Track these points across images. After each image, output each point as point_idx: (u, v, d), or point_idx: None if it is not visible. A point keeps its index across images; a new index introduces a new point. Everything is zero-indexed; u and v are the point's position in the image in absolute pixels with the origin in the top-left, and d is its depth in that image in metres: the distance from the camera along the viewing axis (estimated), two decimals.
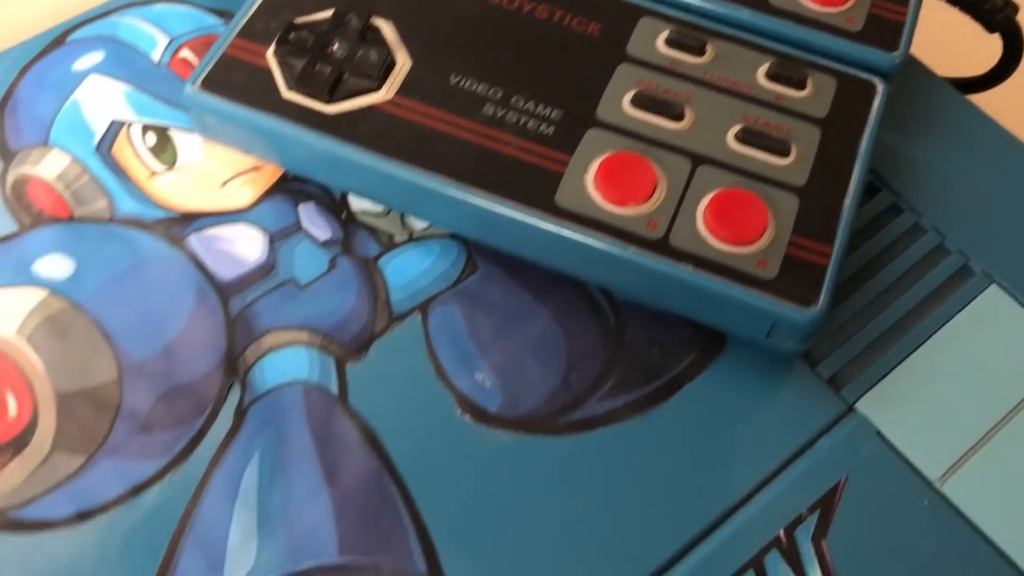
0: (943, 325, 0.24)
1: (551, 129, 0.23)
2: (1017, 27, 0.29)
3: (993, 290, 0.25)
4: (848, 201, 0.23)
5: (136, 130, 0.26)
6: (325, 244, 0.25)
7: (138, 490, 0.21)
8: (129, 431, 0.22)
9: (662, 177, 0.23)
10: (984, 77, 0.31)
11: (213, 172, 0.25)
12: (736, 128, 0.23)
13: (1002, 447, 0.22)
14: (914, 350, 0.24)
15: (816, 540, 0.21)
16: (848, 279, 0.25)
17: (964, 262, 0.25)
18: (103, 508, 0.21)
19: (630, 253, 0.22)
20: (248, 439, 0.22)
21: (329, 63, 0.24)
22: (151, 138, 0.26)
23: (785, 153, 0.23)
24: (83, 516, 0.21)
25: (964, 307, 0.24)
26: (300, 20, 0.25)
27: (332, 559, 0.21)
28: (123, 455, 0.22)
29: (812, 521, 0.22)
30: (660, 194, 0.22)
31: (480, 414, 0.22)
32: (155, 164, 0.25)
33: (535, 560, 0.21)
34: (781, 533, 0.21)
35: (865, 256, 0.25)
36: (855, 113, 0.24)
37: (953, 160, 0.27)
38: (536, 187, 0.22)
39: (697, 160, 0.23)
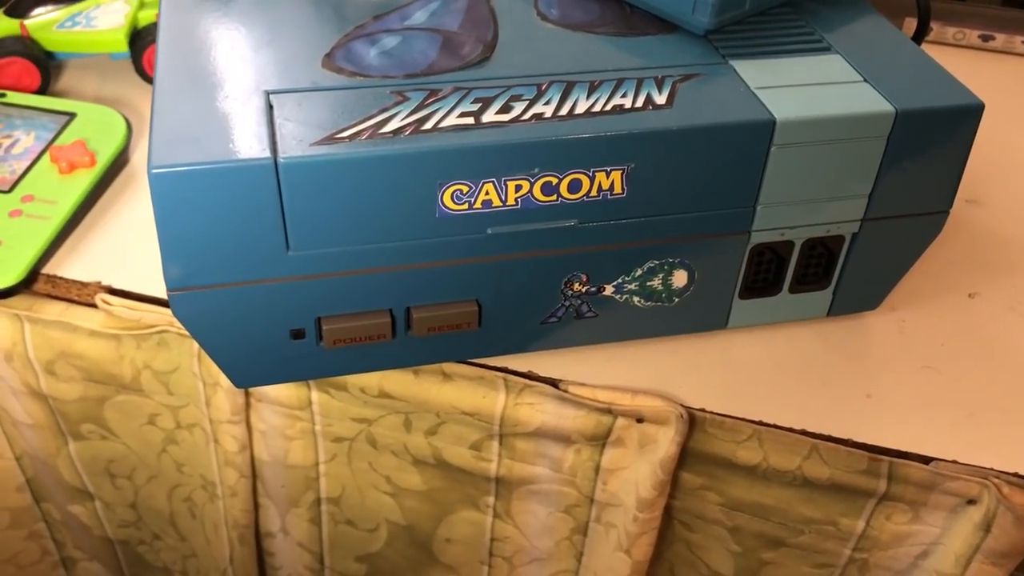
0: (801, 55, 0.44)
1: None
2: (924, 5, 0.50)
3: (834, 55, 0.44)
4: None
5: None
6: None
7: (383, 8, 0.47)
8: None
9: None
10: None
11: None
12: None
13: (786, 89, 0.42)
14: (780, 56, 0.44)
15: (674, 84, 0.42)
16: (755, 22, 0.46)
17: (828, 45, 0.45)
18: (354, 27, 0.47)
19: None
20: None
21: None
22: None
23: None
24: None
25: (822, 54, 0.44)
26: None
27: (456, 27, 0.44)
28: None
29: (677, 78, 0.42)
30: None
31: (545, 19, 0.46)
32: None
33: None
34: (659, 74, 0.42)
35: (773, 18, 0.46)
36: None
37: (840, 16, 0.47)
38: None
39: None
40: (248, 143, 0.37)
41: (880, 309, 0.49)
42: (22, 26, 0.60)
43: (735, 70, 0.43)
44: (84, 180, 0.52)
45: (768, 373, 0.46)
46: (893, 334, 0.48)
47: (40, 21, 0.60)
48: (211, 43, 0.42)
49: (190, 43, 0.42)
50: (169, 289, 0.39)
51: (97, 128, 0.55)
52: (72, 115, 0.56)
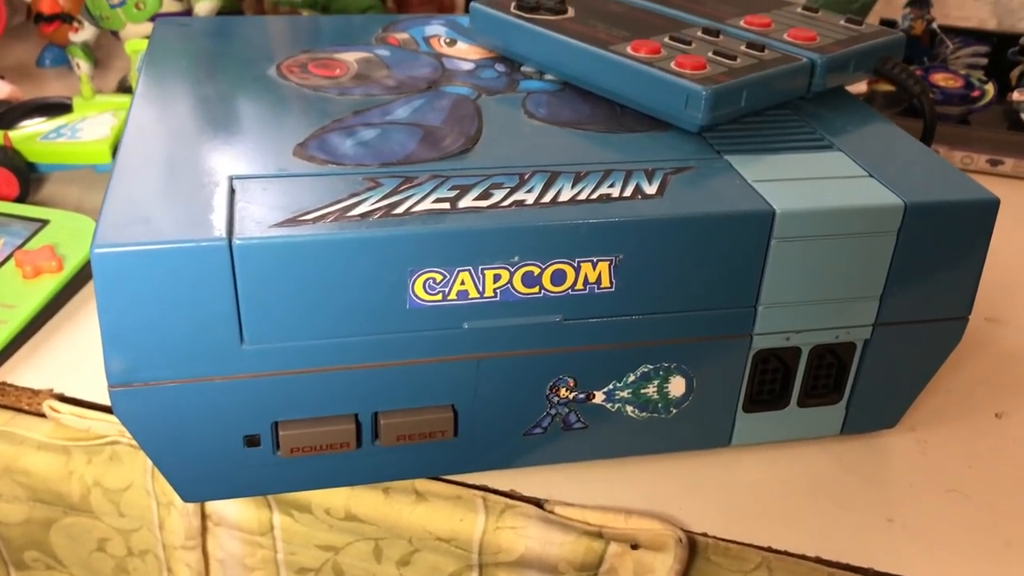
0: (801, 152, 0.42)
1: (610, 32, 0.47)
2: (928, 108, 0.48)
3: (836, 152, 0.42)
4: (752, 75, 0.43)
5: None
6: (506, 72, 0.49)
7: (370, 95, 0.45)
8: (382, 85, 0.46)
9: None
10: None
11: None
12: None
13: (786, 182, 0.39)
14: (779, 152, 0.42)
15: (665, 176, 0.39)
16: (751, 121, 0.44)
17: (830, 143, 0.43)
18: (368, 93, 0.45)
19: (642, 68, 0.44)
20: (424, 96, 0.45)
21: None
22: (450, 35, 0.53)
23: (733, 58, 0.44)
24: (343, 93, 0.45)
25: (824, 151, 0.42)
26: None
27: (439, 123, 0.43)
28: (372, 87, 0.46)
29: (668, 170, 0.39)
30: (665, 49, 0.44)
31: (532, 116, 0.44)
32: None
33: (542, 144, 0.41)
34: (650, 167, 0.40)
35: (770, 118, 0.44)
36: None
37: (841, 118, 0.45)
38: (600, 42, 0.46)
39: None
40: (202, 224, 0.34)
41: (898, 428, 0.45)
42: (5, 136, 0.58)
43: (731, 165, 0.40)
44: (48, 285, 0.49)
45: (777, 495, 0.41)
46: (914, 455, 0.44)
47: (25, 133, 0.59)
48: (178, 132, 0.41)
49: (157, 131, 0.41)
50: (110, 384, 0.35)
51: (69, 234, 0.53)
52: (45, 222, 0.53)
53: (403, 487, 0.42)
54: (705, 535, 0.39)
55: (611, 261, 0.37)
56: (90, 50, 0.71)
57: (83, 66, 0.70)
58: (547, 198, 0.37)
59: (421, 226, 0.35)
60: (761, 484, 0.42)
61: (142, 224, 0.34)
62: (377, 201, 0.36)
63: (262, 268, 0.34)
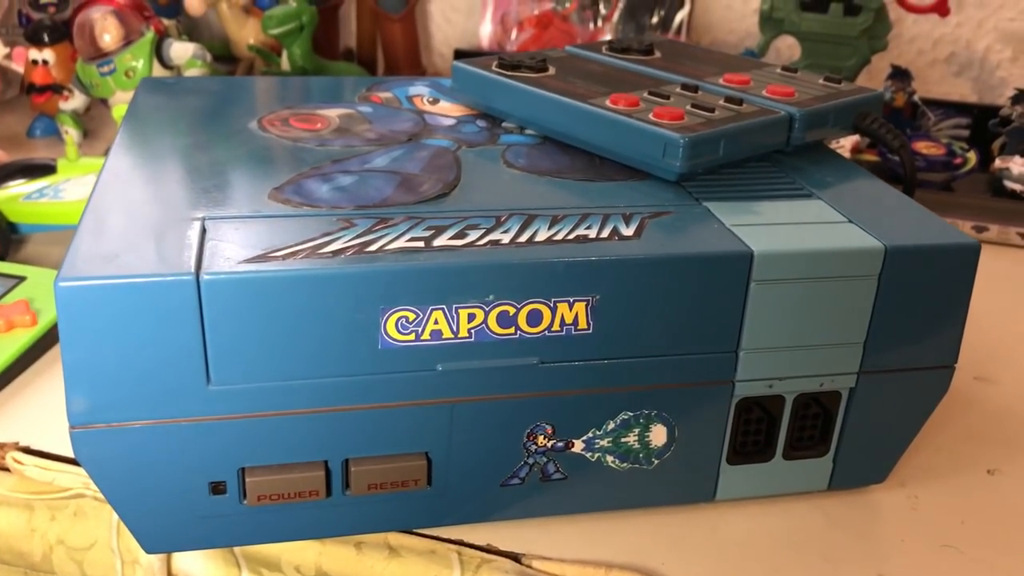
0: (781, 200, 0.42)
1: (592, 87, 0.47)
2: (908, 162, 0.48)
3: (816, 200, 0.42)
4: (730, 125, 0.43)
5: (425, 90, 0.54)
6: (486, 127, 0.49)
7: (349, 147, 0.45)
8: (363, 138, 0.47)
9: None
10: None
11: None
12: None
13: (764, 226, 0.39)
14: (758, 200, 0.41)
15: (643, 220, 0.39)
16: (730, 172, 0.44)
17: (809, 192, 0.43)
18: (341, 145, 0.45)
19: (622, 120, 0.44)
20: (403, 147, 0.45)
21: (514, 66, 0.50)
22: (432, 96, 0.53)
23: (711, 109, 0.44)
24: (322, 144, 0.45)
25: (804, 199, 0.42)
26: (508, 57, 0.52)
27: (417, 171, 0.42)
28: (352, 139, 0.46)
29: (646, 215, 0.39)
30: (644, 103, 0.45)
31: (511, 166, 0.44)
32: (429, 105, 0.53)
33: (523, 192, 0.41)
34: (627, 211, 0.39)
35: (749, 169, 0.44)
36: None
37: (821, 171, 0.45)
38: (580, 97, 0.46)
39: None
40: (170, 260, 0.33)
41: (887, 484, 0.44)
42: None
43: (710, 210, 0.40)
44: (21, 339, 0.48)
45: (763, 550, 0.40)
46: (905, 510, 0.43)
47: (8, 193, 0.59)
48: (152, 177, 0.40)
49: (131, 176, 0.40)
50: (72, 425, 0.34)
51: (45, 290, 0.52)
52: (22, 278, 0.53)
53: (376, 541, 0.40)
54: None
55: (588, 301, 0.36)
56: (79, 118, 0.72)
57: (72, 132, 0.70)
58: (523, 238, 0.37)
59: (394, 263, 0.34)
60: (747, 539, 0.41)
61: (110, 260, 0.33)
62: (350, 240, 0.36)
63: (230, 304, 0.33)
